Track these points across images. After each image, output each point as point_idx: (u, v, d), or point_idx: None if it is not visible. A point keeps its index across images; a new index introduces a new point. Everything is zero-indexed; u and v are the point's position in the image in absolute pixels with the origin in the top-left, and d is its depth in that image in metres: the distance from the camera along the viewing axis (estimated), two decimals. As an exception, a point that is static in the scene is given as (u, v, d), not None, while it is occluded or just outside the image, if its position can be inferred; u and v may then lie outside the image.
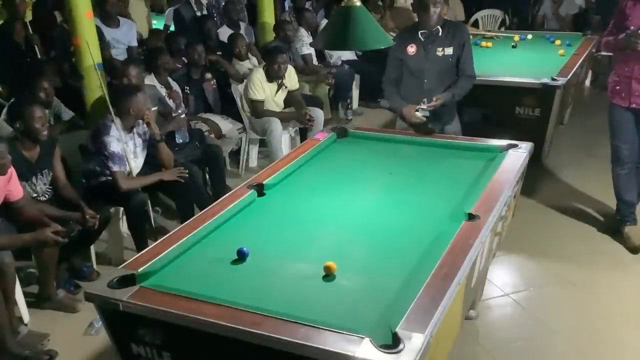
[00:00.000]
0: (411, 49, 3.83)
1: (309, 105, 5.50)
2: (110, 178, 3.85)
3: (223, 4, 7.22)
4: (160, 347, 2.11)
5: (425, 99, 3.74)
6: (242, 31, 6.49)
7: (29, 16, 5.84)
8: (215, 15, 7.10)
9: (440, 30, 3.78)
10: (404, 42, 3.85)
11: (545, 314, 3.36)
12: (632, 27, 3.62)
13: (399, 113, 3.89)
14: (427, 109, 3.72)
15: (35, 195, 3.51)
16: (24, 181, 3.39)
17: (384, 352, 1.75)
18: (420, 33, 3.80)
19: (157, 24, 7.36)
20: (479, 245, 2.36)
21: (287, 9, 8.29)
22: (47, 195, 3.61)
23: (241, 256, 2.39)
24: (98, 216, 3.50)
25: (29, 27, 5.51)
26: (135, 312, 2.06)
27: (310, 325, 1.87)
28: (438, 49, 3.79)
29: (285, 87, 5.36)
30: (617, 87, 3.85)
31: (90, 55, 4.25)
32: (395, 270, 2.27)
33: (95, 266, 3.90)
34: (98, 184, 3.93)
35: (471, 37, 4.83)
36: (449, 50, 3.78)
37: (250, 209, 2.85)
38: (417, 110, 3.73)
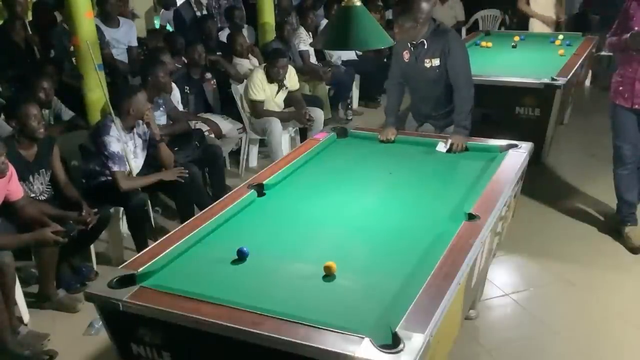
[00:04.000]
0: (406, 55, 3.80)
1: (309, 105, 5.50)
2: (110, 178, 3.85)
3: (226, 5, 7.19)
4: (160, 347, 2.11)
5: (446, 140, 3.48)
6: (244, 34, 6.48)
7: (29, 16, 5.83)
8: (215, 15, 7.09)
9: (426, 43, 3.69)
10: (402, 45, 3.81)
11: (545, 314, 3.35)
12: (636, 28, 3.62)
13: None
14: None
15: (32, 195, 3.51)
16: (21, 180, 3.39)
17: (384, 352, 1.75)
18: (410, 43, 3.75)
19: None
20: (479, 245, 2.36)
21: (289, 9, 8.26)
22: (45, 195, 3.61)
23: (241, 256, 2.39)
24: (95, 210, 3.50)
25: (29, 27, 5.49)
26: (135, 312, 2.06)
27: (310, 325, 1.87)
28: (425, 60, 3.73)
29: (286, 88, 5.36)
30: (621, 88, 3.85)
31: (91, 55, 4.25)
32: (395, 270, 2.27)
33: (95, 266, 3.90)
34: (98, 184, 3.93)
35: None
36: (436, 62, 3.70)
37: (250, 209, 2.85)
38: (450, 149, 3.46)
